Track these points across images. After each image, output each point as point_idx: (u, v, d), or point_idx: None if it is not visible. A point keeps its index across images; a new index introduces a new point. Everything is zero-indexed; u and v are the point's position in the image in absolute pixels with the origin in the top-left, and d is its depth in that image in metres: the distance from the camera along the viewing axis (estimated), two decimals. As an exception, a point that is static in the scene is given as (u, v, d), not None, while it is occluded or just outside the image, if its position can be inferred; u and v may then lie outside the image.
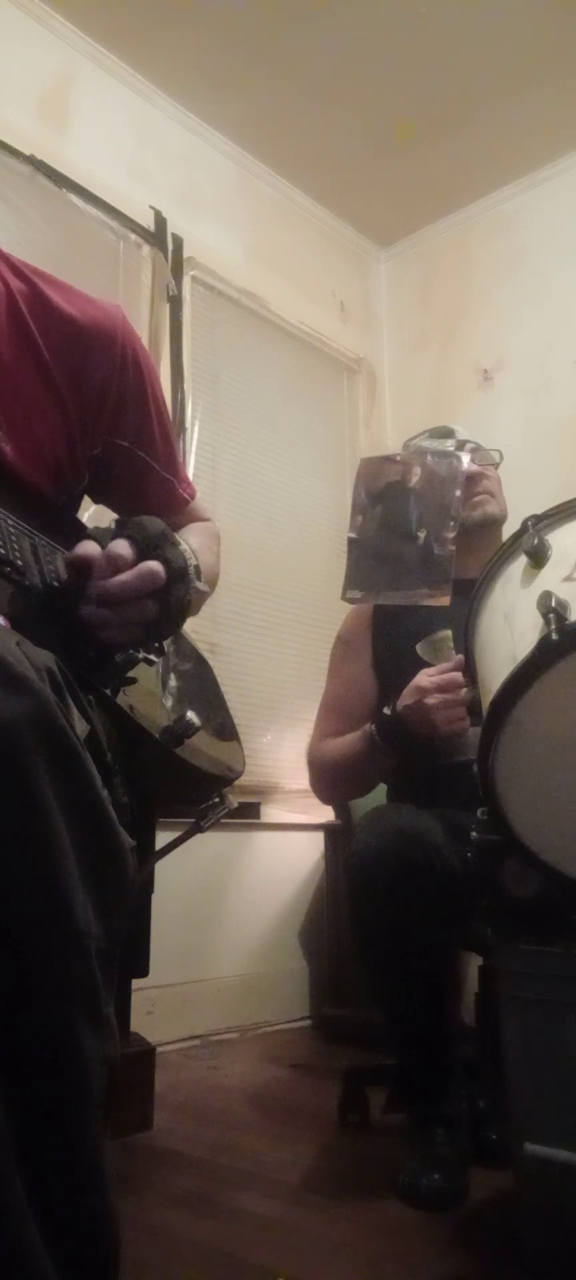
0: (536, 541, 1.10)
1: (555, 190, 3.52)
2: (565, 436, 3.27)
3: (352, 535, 1.63)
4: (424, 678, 1.63)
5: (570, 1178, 1.07)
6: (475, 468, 1.85)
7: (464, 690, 1.59)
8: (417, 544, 1.59)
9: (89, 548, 0.96)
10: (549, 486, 1.53)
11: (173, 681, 1.19)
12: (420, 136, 3.36)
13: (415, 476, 1.61)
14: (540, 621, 1.01)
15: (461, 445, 1.86)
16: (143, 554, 0.96)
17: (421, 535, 1.58)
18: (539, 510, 1.14)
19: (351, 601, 1.69)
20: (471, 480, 1.83)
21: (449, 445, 1.73)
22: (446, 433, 1.91)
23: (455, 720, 1.60)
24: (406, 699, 1.64)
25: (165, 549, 0.97)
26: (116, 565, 0.94)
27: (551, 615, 1.00)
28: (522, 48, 3.00)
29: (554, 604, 1.00)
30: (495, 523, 1.89)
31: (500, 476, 1.94)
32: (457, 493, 1.60)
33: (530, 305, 3.53)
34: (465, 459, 1.66)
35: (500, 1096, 1.24)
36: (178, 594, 0.98)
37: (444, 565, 1.57)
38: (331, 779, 1.89)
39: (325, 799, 2.02)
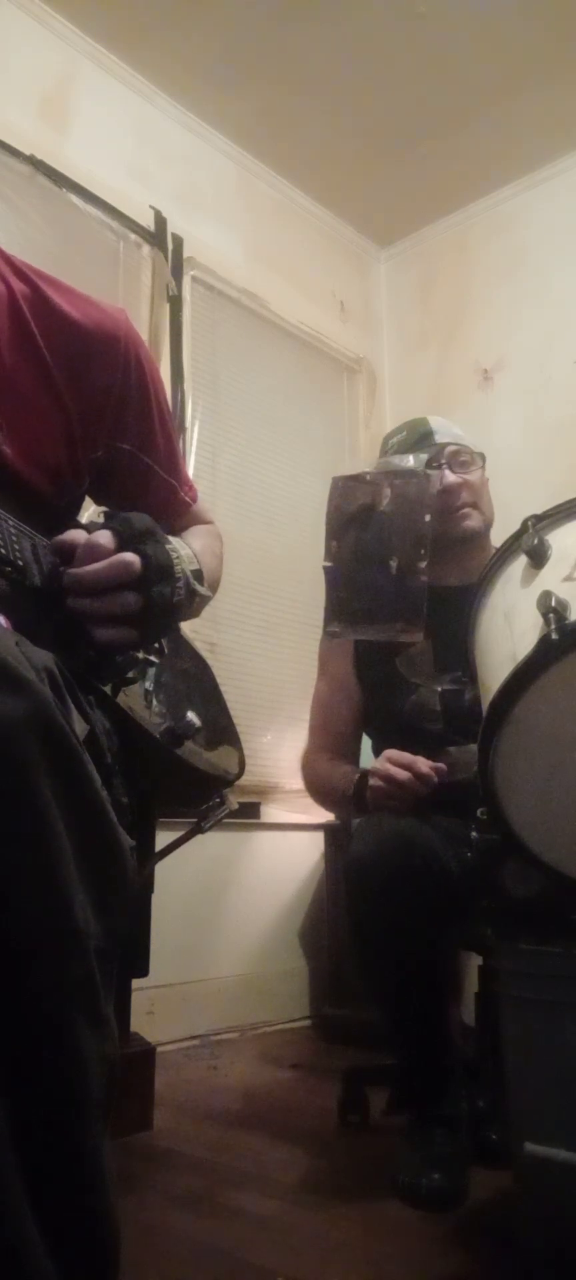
0: (536, 541, 1.10)
1: (555, 190, 3.52)
2: (565, 436, 3.27)
3: (328, 564, 1.58)
4: (387, 754, 1.63)
5: (570, 1178, 1.07)
6: (453, 478, 1.79)
7: (419, 784, 1.57)
8: (390, 573, 1.54)
9: (73, 534, 0.96)
10: (549, 486, 1.53)
11: (173, 682, 1.19)
12: (420, 136, 3.36)
13: (385, 499, 1.56)
14: (540, 621, 1.01)
15: (441, 450, 1.80)
16: (124, 546, 0.96)
17: (393, 564, 1.54)
18: (539, 510, 1.14)
19: (331, 636, 1.65)
20: (450, 493, 1.77)
21: (415, 460, 1.62)
22: (423, 432, 1.83)
23: (386, 805, 1.61)
24: (375, 778, 1.64)
25: (148, 544, 0.97)
26: (95, 555, 0.94)
27: (551, 615, 1.00)
28: (522, 48, 3.00)
29: (553, 604, 1.00)
30: (477, 535, 1.83)
31: (486, 477, 1.87)
32: (428, 517, 1.54)
33: (530, 305, 3.53)
34: (436, 477, 1.61)
35: (500, 1096, 1.24)
36: (161, 591, 0.97)
37: (416, 597, 1.53)
38: (317, 799, 1.93)
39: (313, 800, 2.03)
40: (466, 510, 1.81)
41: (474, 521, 1.82)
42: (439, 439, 1.82)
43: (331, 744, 1.87)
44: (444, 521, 1.73)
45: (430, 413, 1.94)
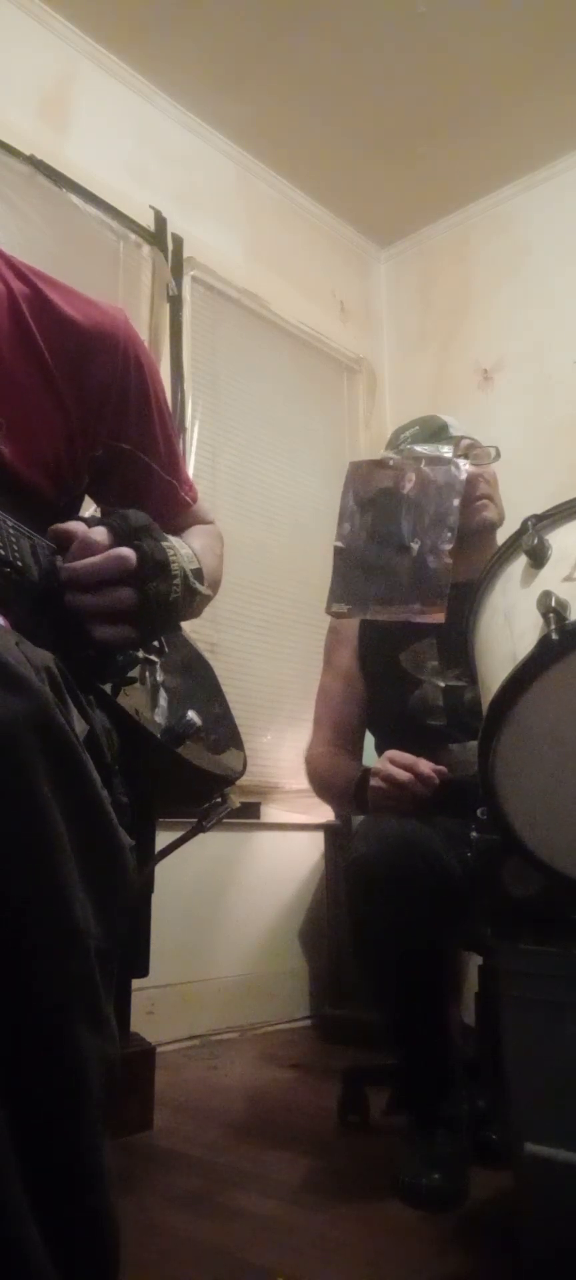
0: (536, 541, 1.10)
1: (555, 190, 3.52)
2: (565, 436, 3.27)
3: (339, 544, 1.56)
4: (389, 754, 1.63)
5: (570, 1178, 1.07)
6: (473, 469, 1.78)
7: (420, 786, 1.56)
8: (410, 555, 1.52)
9: (73, 525, 0.97)
10: (549, 486, 1.53)
11: (174, 681, 1.19)
12: (420, 136, 3.36)
13: (409, 483, 1.54)
14: (540, 621, 1.01)
15: (457, 442, 1.80)
16: (119, 542, 0.96)
17: (415, 546, 1.52)
18: (539, 510, 1.14)
19: (336, 615, 1.62)
20: (470, 484, 1.75)
21: (445, 450, 1.63)
22: (438, 426, 1.83)
23: (386, 806, 1.61)
24: (375, 779, 1.63)
25: (143, 540, 0.97)
26: (90, 550, 0.94)
27: (551, 615, 1.00)
28: (522, 48, 3.00)
29: (554, 604, 1.00)
30: (493, 528, 1.83)
31: (496, 473, 1.87)
32: (456, 502, 1.53)
33: (530, 305, 3.53)
34: (464, 465, 1.60)
35: (500, 1096, 1.25)
36: (157, 587, 0.98)
37: (439, 579, 1.51)
38: (320, 794, 1.92)
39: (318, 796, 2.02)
40: (484, 501, 1.80)
41: (491, 513, 1.82)
42: (454, 432, 1.83)
43: (335, 737, 1.86)
44: (462, 511, 1.72)
45: (430, 413, 1.93)
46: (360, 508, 1.56)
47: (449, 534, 1.53)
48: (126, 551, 0.95)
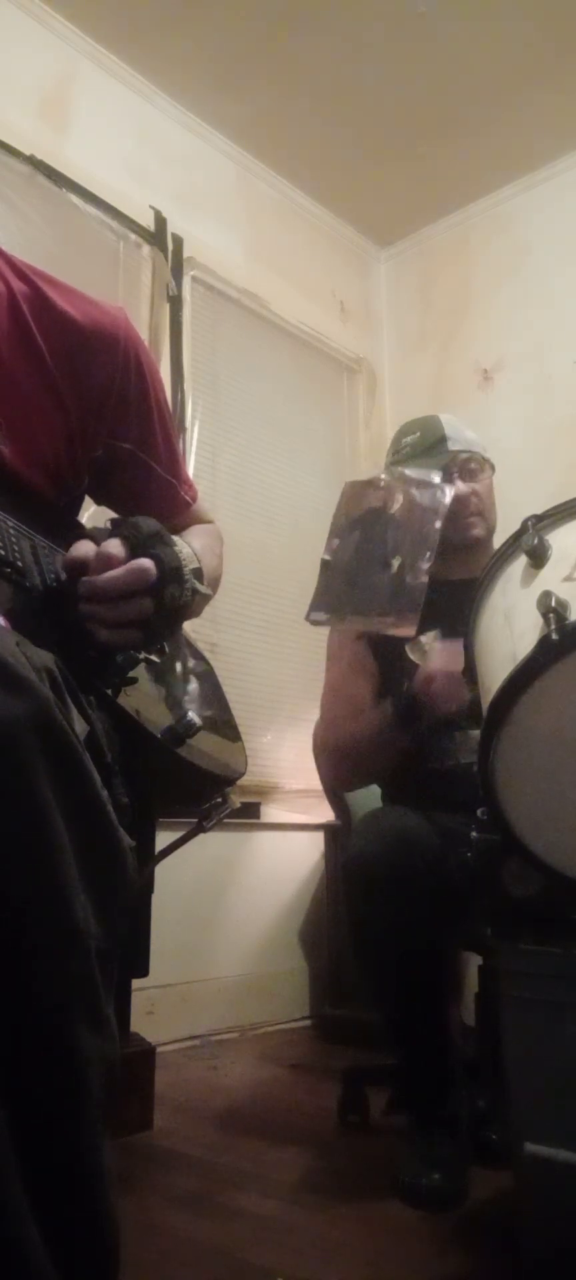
0: (536, 541, 1.10)
1: (555, 190, 3.52)
2: (565, 436, 3.27)
3: (326, 558, 1.61)
4: (436, 661, 1.61)
5: (570, 1178, 1.07)
6: (463, 488, 1.82)
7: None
8: (390, 572, 1.56)
9: (84, 547, 0.96)
10: (549, 486, 1.53)
11: (174, 681, 1.19)
12: (420, 136, 3.36)
13: (396, 504, 1.59)
14: (540, 621, 1.01)
15: (454, 458, 1.82)
16: (135, 552, 0.96)
17: (395, 563, 1.56)
18: (539, 510, 1.14)
19: (314, 623, 1.64)
20: (460, 501, 1.79)
21: (434, 476, 1.66)
22: (437, 438, 1.84)
23: (454, 699, 1.58)
24: (418, 682, 1.61)
25: (158, 548, 0.97)
26: (108, 563, 0.94)
27: (551, 615, 1.00)
28: (522, 49, 3.00)
29: (554, 604, 1.00)
30: (481, 542, 1.86)
31: (492, 483, 1.90)
32: (438, 524, 1.57)
33: (530, 305, 3.53)
34: (449, 491, 1.63)
35: (500, 1096, 1.25)
36: (172, 593, 0.98)
37: (415, 594, 1.55)
38: (347, 762, 1.82)
39: (338, 783, 1.93)
40: (472, 520, 1.85)
41: (478, 530, 1.86)
42: (451, 446, 1.85)
43: (350, 713, 1.83)
44: (450, 527, 1.74)
45: (430, 413, 1.94)
46: (349, 526, 1.60)
47: (428, 554, 1.57)
48: (147, 563, 0.95)
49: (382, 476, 1.64)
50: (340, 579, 1.60)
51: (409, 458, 1.85)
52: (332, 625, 1.73)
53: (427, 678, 1.61)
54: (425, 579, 1.56)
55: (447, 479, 1.76)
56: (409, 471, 1.65)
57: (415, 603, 1.56)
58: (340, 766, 1.86)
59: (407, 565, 1.56)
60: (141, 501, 1.20)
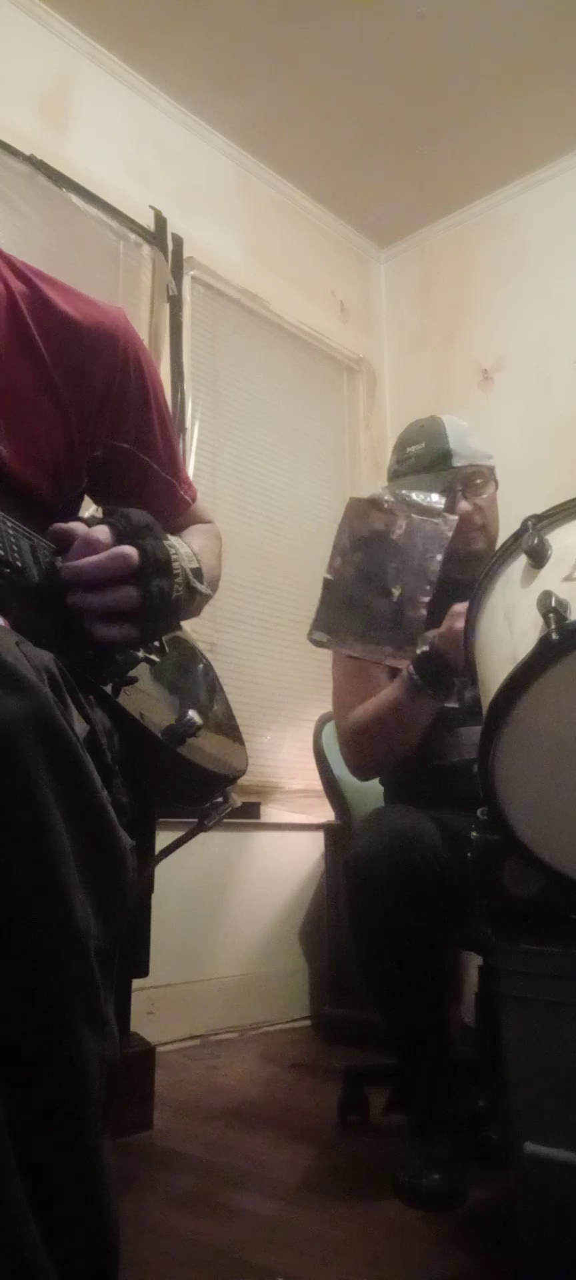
0: (536, 541, 1.10)
1: (555, 190, 3.52)
2: (565, 436, 3.27)
3: (328, 577, 1.61)
4: (457, 606, 1.58)
5: (570, 1178, 1.07)
6: (467, 506, 1.81)
7: None
8: (390, 600, 1.57)
9: (73, 525, 0.97)
10: (549, 486, 1.53)
11: (174, 680, 1.19)
12: (420, 136, 3.36)
13: (399, 530, 1.59)
14: (540, 621, 1.01)
15: (457, 474, 1.80)
16: (121, 541, 0.96)
17: (396, 592, 1.57)
18: (539, 510, 1.14)
19: (315, 643, 1.64)
20: (464, 520, 1.77)
21: (435, 500, 1.65)
22: (443, 452, 1.81)
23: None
24: (441, 629, 1.59)
25: (146, 539, 0.97)
26: (92, 549, 0.94)
27: (551, 615, 1.00)
28: (522, 48, 3.00)
29: (554, 604, 1.00)
30: (481, 555, 1.83)
31: (496, 496, 1.89)
32: (439, 557, 1.56)
33: (530, 305, 3.53)
34: (452, 521, 1.61)
35: (500, 1096, 1.24)
36: (159, 585, 0.97)
37: (412, 628, 1.56)
38: (372, 742, 1.77)
39: (363, 770, 1.86)
40: (474, 535, 1.84)
41: (479, 544, 1.85)
42: (456, 462, 1.82)
43: (368, 692, 1.79)
44: (454, 540, 1.72)
45: (430, 413, 1.93)
46: (352, 546, 1.60)
47: (428, 586, 1.57)
48: (128, 549, 0.95)
49: (387, 498, 1.63)
50: (341, 600, 1.61)
51: (413, 470, 1.83)
52: (333, 647, 1.73)
53: (451, 627, 1.57)
54: (424, 613, 1.56)
55: (451, 502, 1.74)
56: (414, 495, 1.64)
57: (412, 635, 1.57)
58: (358, 752, 1.81)
59: (407, 598, 1.57)
60: (141, 501, 1.19)
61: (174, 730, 1.10)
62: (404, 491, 1.67)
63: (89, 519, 1.00)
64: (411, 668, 1.64)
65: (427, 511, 1.61)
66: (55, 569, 0.96)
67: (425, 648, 1.61)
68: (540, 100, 3.20)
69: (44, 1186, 0.65)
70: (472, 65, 3.07)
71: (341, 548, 1.61)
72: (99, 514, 1.33)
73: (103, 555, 0.94)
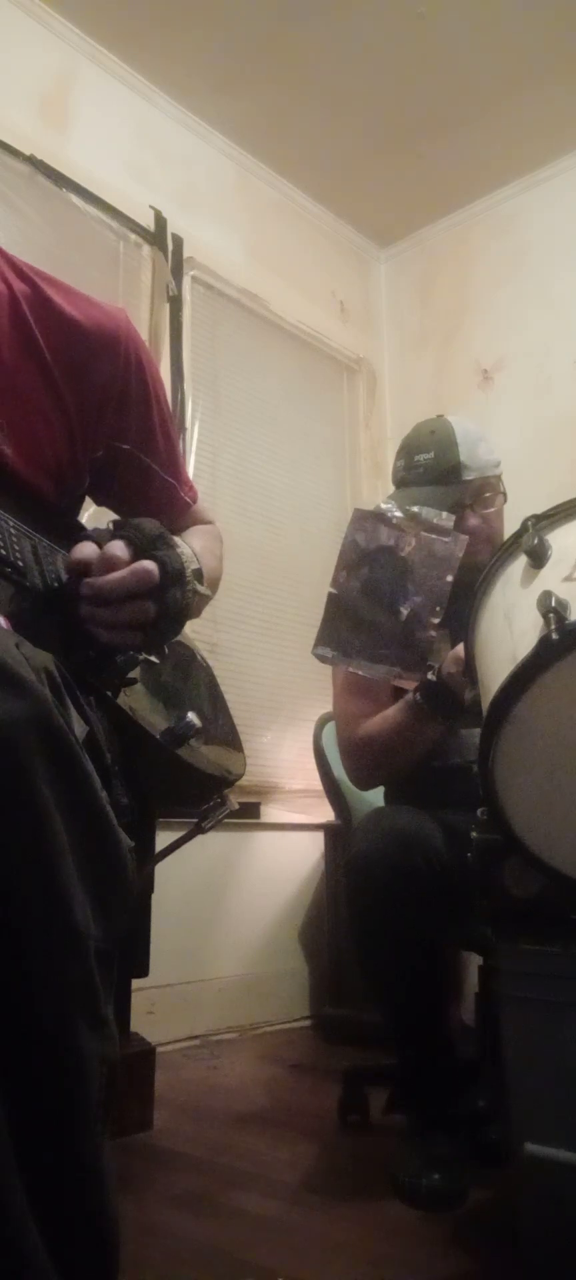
0: (536, 541, 1.10)
1: (555, 190, 3.52)
2: (565, 436, 3.27)
3: (333, 590, 1.57)
4: (462, 648, 1.60)
5: (570, 1178, 1.07)
6: (476, 522, 1.78)
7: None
8: (399, 620, 1.54)
9: (87, 549, 0.96)
10: (549, 486, 1.53)
11: (173, 682, 1.19)
12: (420, 136, 3.36)
13: (408, 547, 1.56)
14: (540, 621, 1.01)
15: (466, 488, 1.78)
16: (138, 555, 0.95)
17: (404, 612, 1.54)
18: (539, 510, 1.14)
19: (320, 659, 1.63)
20: (472, 533, 1.73)
21: (446, 519, 1.64)
22: (452, 464, 1.79)
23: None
24: (449, 666, 1.59)
25: (161, 550, 0.97)
26: (112, 565, 0.94)
27: (551, 615, 1.00)
28: (522, 49, 3.00)
29: (554, 604, 1.00)
30: (484, 565, 1.84)
31: (503, 507, 1.86)
32: (449, 578, 1.54)
33: (530, 305, 3.53)
34: (462, 541, 1.59)
35: (500, 1096, 1.25)
36: (174, 596, 0.97)
37: (422, 650, 1.55)
38: (377, 759, 1.78)
39: (366, 782, 1.88)
40: (480, 547, 1.79)
41: (484, 556, 1.81)
42: (466, 476, 1.79)
43: (371, 708, 1.80)
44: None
45: (430, 413, 1.93)
46: (358, 560, 1.58)
47: (438, 608, 1.55)
48: (151, 565, 0.95)
49: (396, 513, 1.61)
50: (347, 616, 1.58)
51: (421, 481, 1.80)
52: (338, 664, 1.71)
53: (457, 658, 1.57)
54: (433, 634, 1.55)
55: (460, 517, 1.72)
56: (423, 514, 1.62)
57: (421, 658, 1.56)
58: (362, 767, 1.83)
59: (416, 618, 1.54)
60: (141, 502, 1.20)
61: (172, 732, 1.10)
62: (413, 508, 1.65)
63: (95, 530, 0.99)
64: (418, 695, 1.64)
65: (437, 530, 1.57)
66: (59, 576, 0.96)
67: (432, 676, 1.61)
68: (540, 100, 3.20)
69: (44, 1187, 0.65)
70: (472, 65, 3.07)
71: (347, 561, 1.58)
72: (97, 513, 1.33)
73: (125, 573, 0.93)
